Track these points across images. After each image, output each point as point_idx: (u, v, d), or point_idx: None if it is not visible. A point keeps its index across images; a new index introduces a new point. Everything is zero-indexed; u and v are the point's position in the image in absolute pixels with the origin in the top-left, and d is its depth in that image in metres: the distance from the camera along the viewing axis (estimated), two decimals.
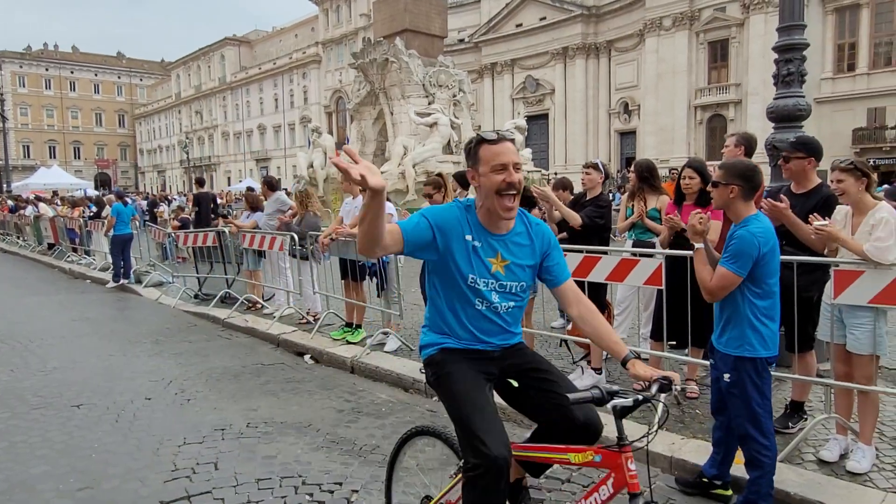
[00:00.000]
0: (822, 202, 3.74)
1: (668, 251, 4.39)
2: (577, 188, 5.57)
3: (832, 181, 3.62)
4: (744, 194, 2.98)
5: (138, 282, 11.46)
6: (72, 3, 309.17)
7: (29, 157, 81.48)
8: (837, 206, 3.68)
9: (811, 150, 3.79)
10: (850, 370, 3.56)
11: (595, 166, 5.05)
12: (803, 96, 5.36)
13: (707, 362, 4.14)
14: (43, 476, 3.75)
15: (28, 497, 3.50)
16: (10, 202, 24.13)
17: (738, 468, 3.26)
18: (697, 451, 3.70)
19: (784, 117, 5.36)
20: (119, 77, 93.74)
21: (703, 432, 3.98)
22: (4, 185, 42.25)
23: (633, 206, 5.18)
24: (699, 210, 3.43)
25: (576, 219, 4.79)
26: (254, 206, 8.73)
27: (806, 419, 4.01)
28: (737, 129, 30.56)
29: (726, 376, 3.06)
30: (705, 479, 3.36)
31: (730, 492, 3.32)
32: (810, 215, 3.53)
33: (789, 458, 3.58)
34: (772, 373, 3.14)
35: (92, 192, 32.40)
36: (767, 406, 3.07)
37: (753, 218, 2.97)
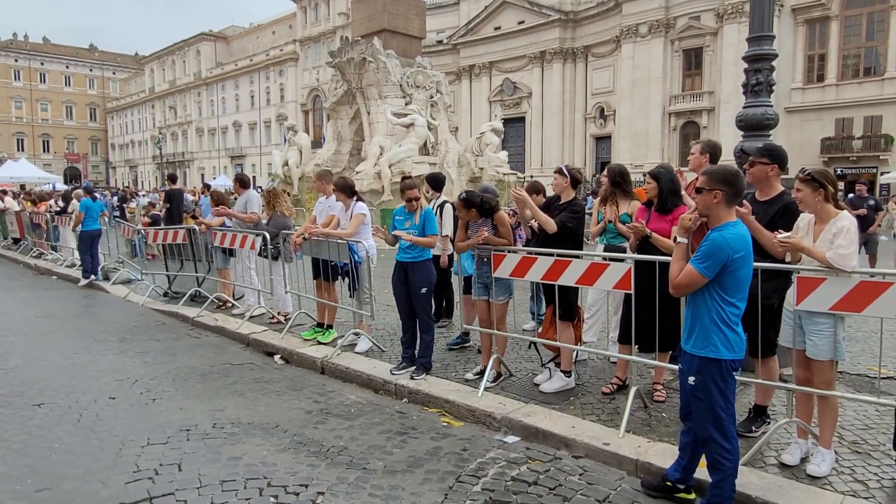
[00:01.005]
0: (783, 209, 3.83)
1: (637, 255, 4.44)
2: (550, 192, 5.60)
3: (793, 189, 3.72)
4: (727, 199, 3.01)
5: (106, 279, 11.22)
6: None
7: None
8: (801, 215, 3.76)
9: (775, 157, 3.88)
10: (810, 375, 3.64)
11: (560, 171, 5.08)
12: (771, 105, 5.48)
13: (674, 366, 4.22)
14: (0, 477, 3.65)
15: None
16: None
17: (702, 471, 3.31)
18: (663, 455, 3.74)
19: (752, 126, 5.47)
20: (91, 70, 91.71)
21: (669, 436, 4.04)
22: None
23: (604, 210, 5.23)
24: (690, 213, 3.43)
25: (551, 225, 4.82)
26: (218, 202, 8.55)
27: (768, 423, 4.09)
28: (710, 137, 31.09)
29: (691, 379, 3.11)
30: (669, 483, 3.40)
31: (693, 495, 3.37)
32: (775, 231, 3.60)
33: (752, 462, 3.64)
34: (736, 377, 3.20)
35: (61, 187, 31.69)
36: (731, 410, 3.12)
37: (731, 224, 3.02)
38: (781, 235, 3.52)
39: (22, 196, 21.84)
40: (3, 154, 69.33)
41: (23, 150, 78.08)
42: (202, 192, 13.06)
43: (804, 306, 3.54)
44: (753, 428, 4.04)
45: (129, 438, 4.23)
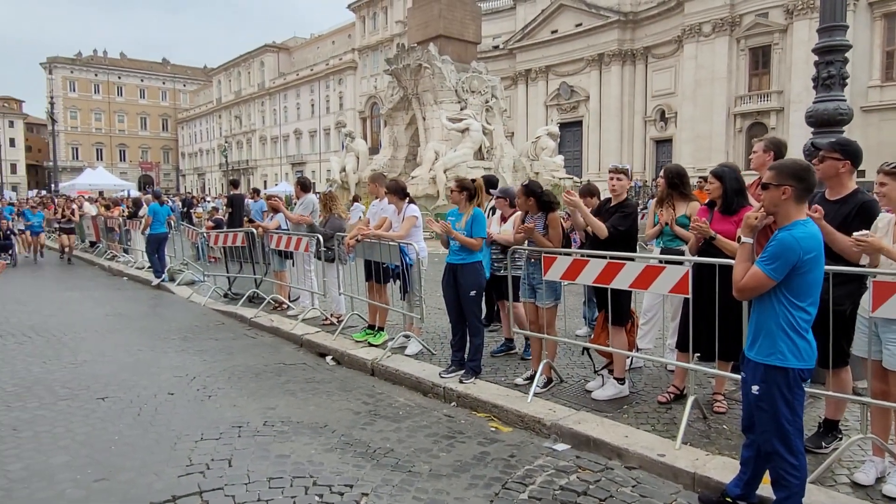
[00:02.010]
0: (858, 209, 3.55)
1: (695, 258, 4.24)
2: (605, 195, 5.44)
3: (875, 184, 3.44)
4: (797, 196, 2.79)
5: (172, 280, 11.69)
6: (116, 8, 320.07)
7: (77, 158, 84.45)
8: (880, 214, 3.49)
9: (848, 152, 3.60)
10: (887, 388, 3.37)
11: (625, 172, 4.92)
12: (844, 100, 5.14)
13: (737, 376, 3.99)
14: (62, 466, 3.81)
15: (45, 486, 3.55)
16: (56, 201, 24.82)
17: (765, 488, 3.10)
18: (723, 469, 3.54)
19: (824, 122, 5.15)
20: (164, 82, 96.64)
21: (729, 449, 3.82)
22: (53, 186, 43.80)
23: (660, 212, 5.03)
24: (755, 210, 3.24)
25: (602, 229, 4.67)
26: (274, 209, 8.78)
27: (840, 439, 3.81)
28: (778, 137, 29.74)
29: (755, 388, 2.91)
30: (729, 499, 3.20)
31: None
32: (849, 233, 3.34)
33: (821, 480, 3.40)
34: (805, 389, 2.97)
35: (135, 194, 33.36)
36: (798, 423, 2.89)
37: (801, 222, 2.79)
38: (859, 233, 3.25)
39: (98, 202, 23.06)
40: (85, 163, 73.68)
41: (101, 160, 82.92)
42: (251, 197, 13.43)
43: (881, 313, 3.27)
44: (823, 444, 3.77)
45: (184, 433, 4.35)
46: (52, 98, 47.38)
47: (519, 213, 5.37)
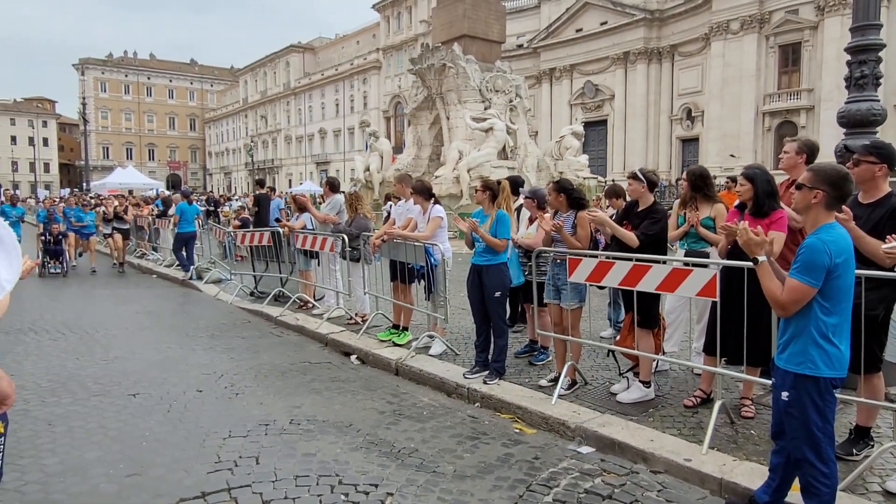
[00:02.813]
0: (891, 212, 3.47)
1: (724, 261, 4.19)
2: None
3: None
4: (828, 202, 2.75)
5: (199, 278, 11.89)
6: (145, 9, 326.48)
7: (108, 157, 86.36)
8: None
9: (884, 156, 3.52)
10: None
11: (634, 176, 4.88)
12: (878, 100, 5.03)
13: (766, 381, 3.94)
14: (95, 461, 3.91)
15: (79, 480, 3.65)
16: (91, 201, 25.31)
17: (794, 495, 3.06)
18: (751, 475, 3.49)
19: (856, 122, 5.05)
20: (192, 83, 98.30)
21: (757, 454, 3.77)
22: (84, 184, 44.82)
23: (684, 214, 4.98)
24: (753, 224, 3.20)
25: (632, 240, 4.64)
26: (301, 207, 8.88)
27: (872, 446, 3.73)
28: (809, 137, 29.16)
29: (784, 394, 2.86)
30: None
31: None
32: (882, 237, 3.26)
33: (852, 488, 3.34)
34: (835, 395, 2.92)
35: (164, 193, 34.05)
36: (829, 430, 2.83)
37: (827, 226, 2.75)
38: (887, 245, 3.17)
39: (128, 202, 23.52)
40: (115, 162, 75.27)
41: (130, 159, 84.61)
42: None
43: None
44: (854, 451, 3.70)
45: (212, 430, 4.43)
46: (83, 98, 48.63)
47: (546, 215, 5.36)
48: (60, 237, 13.55)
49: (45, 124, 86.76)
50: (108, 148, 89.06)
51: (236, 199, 27.09)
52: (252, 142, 79.19)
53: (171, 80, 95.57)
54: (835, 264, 2.66)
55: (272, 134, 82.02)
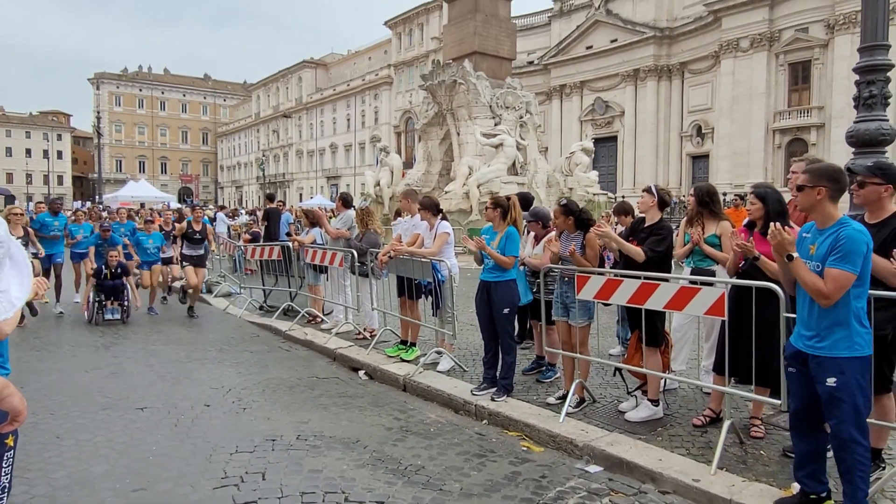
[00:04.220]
0: None
1: (732, 280, 4.17)
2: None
3: None
4: (831, 196, 3.03)
5: (209, 291, 11.95)
6: (161, 24, 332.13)
7: (121, 170, 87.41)
8: None
9: (889, 176, 3.51)
10: None
11: (648, 189, 4.90)
12: (887, 119, 5.03)
13: (775, 401, 3.90)
14: (102, 475, 3.92)
15: (86, 494, 3.66)
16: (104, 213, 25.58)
17: (795, 495, 3.02)
18: (760, 496, 3.46)
19: (865, 142, 5.04)
20: (205, 97, 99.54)
21: (766, 475, 3.73)
22: (97, 197, 45.36)
23: (690, 231, 4.98)
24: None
25: (639, 255, 4.65)
26: (312, 221, 8.95)
27: (883, 468, 3.68)
28: (819, 155, 29.07)
29: (831, 380, 2.98)
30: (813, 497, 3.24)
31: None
32: (888, 257, 3.28)
33: None
34: None
35: (175, 205, 34.43)
36: (869, 405, 3.09)
37: (848, 219, 3.01)
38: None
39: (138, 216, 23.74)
40: (128, 175, 76.17)
41: (143, 172, 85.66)
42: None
43: None
44: None
45: (219, 445, 4.43)
46: (98, 112, 49.32)
47: (552, 234, 5.37)
48: (121, 270, 9.31)
49: (59, 137, 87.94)
50: (121, 161, 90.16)
51: (242, 213, 27.25)
52: (263, 156, 79.87)
53: (184, 95, 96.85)
54: (870, 250, 2.93)
55: (283, 148, 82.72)
